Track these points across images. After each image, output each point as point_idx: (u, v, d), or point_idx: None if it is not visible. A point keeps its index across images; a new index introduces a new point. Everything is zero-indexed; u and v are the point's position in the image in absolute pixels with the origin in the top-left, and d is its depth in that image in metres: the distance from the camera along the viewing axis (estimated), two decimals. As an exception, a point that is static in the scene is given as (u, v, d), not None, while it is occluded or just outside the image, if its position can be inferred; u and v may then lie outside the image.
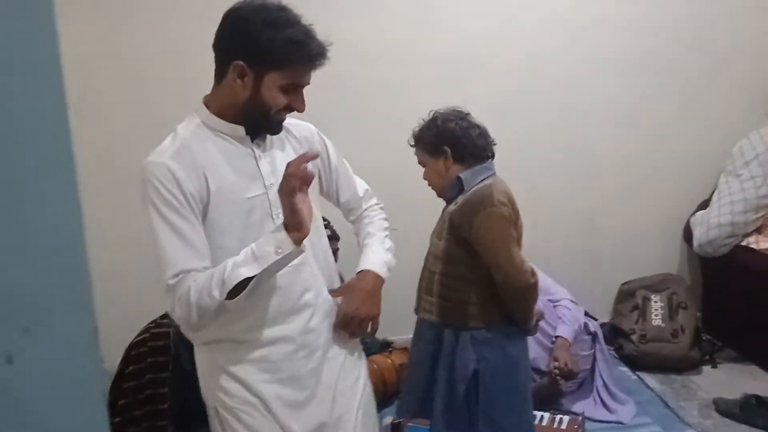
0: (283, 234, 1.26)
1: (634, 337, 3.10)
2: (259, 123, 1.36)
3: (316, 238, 1.49)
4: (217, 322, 1.34)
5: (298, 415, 1.43)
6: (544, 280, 3.14)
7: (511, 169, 3.30)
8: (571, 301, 2.98)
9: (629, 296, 3.26)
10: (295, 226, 1.26)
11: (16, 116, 0.35)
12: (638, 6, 3.18)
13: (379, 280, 1.55)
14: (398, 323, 3.27)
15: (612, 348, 3.18)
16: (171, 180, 1.27)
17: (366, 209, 1.69)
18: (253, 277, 1.25)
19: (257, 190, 1.37)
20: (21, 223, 0.35)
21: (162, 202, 1.27)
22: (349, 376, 1.56)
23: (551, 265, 3.19)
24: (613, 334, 3.23)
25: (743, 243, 3.01)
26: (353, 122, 3.10)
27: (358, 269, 1.56)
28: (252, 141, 1.39)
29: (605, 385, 2.89)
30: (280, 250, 1.25)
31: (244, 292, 1.26)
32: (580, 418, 2.54)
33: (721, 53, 3.25)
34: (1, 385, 0.34)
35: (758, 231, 3.01)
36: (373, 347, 3.10)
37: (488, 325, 1.83)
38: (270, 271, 1.28)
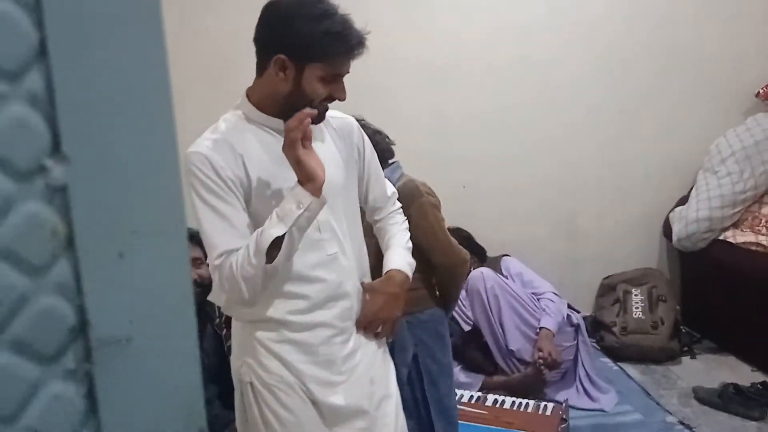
0: (299, 189, 1.30)
1: (615, 330, 3.20)
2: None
3: (354, 230, 1.53)
4: (263, 304, 1.40)
5: (333, 394, 1.47)
6: (528, 273, 3.23)
7: (493, 169, 3.42)
8: (555, 294, 3.07)
9: (610, 290, 3.37)
10: (306, 177, 1.30)
11: (114, 48, 0.39)
12: (620, 11, 3.30)
13: (406, 283, 1.58)
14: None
15: (594, 340, 3.28)
16: (209, 167, 1.32)
17: (392, 211, 1.71)
18: (283, 237, 1.29)
19: (295, 180, 1.39)
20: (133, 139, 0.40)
21: (203, 188, 1.32)
22: (384, 363, 1.60)
23: (535, 261, 3.28)
24: (595, 326, 3.33)
25: (721, 237, 3.13)
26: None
27: (385, 269, 1.58)
28: None
29: (588, 375, 2.98)
30: (301, 205, 1.29)
31: (281, 252, 1.29)
32: (563, 405, 2.63)
33: (699, 57, 3.38)
34: (113, 275, 0.40)
35: (735, 225, 3.14)
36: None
37: (422, 309, 1.94)
38: (300, 227, 1.31)
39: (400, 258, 1.60)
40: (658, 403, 2.84)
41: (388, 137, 2.11)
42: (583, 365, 3.00)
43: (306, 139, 1.30)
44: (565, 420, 2.54)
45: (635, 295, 3.27)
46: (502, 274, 3.16)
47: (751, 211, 3.14)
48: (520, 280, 3.16)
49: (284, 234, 1.28)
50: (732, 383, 2.85)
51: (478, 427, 2.46)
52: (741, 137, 3.17)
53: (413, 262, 1.65)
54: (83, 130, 0.37)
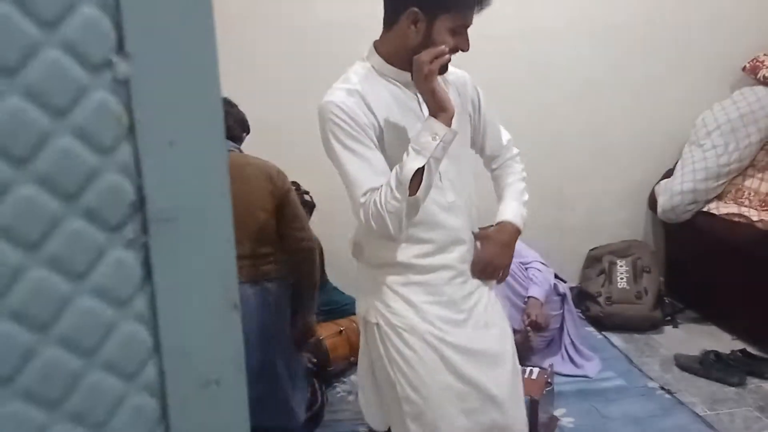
0: (431, 121, 1.39)
1: (600, 300, 3.31)
2: None
3: (467, 180, 1.65)
4: (391, 249, 1.53)
5: (457, 332, 1.58)
6: (516, 243, 3.33)
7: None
8: (542, 263, 3.17)
9: (596, 261, 3.48)
10: (439, 107, 1.39)
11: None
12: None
13: (516, 233, 1.71)
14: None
15: (580, 310, 3.39)
16: (344, 114, 1.41)
17: (508, 159, 1.81)
18: (422, 169, 1.38)
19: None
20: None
21: (342, 133, 1.42)
22: (497, 306, 1.73)
23: (523, 231, 3.36)
24: (581, 297, 3.44)
25: (705, 209, 3.24)
26: (312, 94, 3.20)
27: (497, 219, 1.70)
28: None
29: (573, 343, 3.09)
30: (436, 136, 1.38)
31: (422, 183, 1.39)
32: (549, 369, 2.73)
33: (686, 30, 3.47)
34: (165, 161, 0.47)
35: (719, 198, 3.25)
36: (353, 308, 3.23)
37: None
38: (436, 158, 1.40)
39: (512, 210, 1.73)
40: (640, 370, 2.96)
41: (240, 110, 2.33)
42: (569, 333, 3.11)
43: (434, 71, 1.38)
44: (549, 383, 2.64)
45: (620, 266, 3.38)
46: (490, 244, 3.24)
47: (734, 184, 3.25)
48: (508, 249, 3.25)
49: (423, 166, 1.38)
50: (712, 350, 2.98)
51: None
52: (726, 111, 3.27)
53: (525, 214, 1.77)
54: (144, 33, 0.44)
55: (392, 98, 1.49)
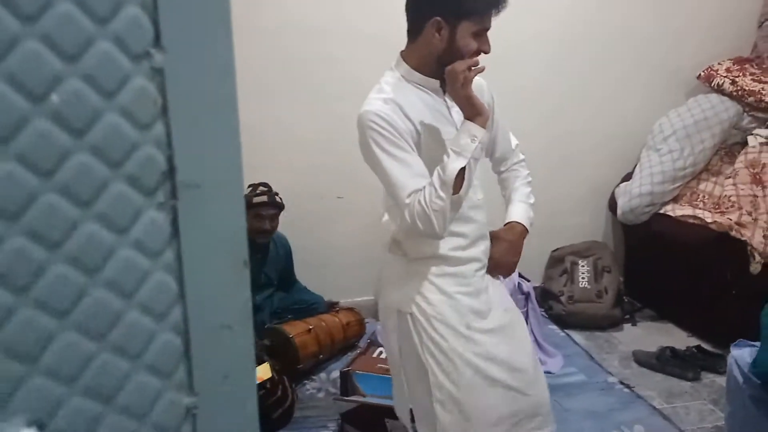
0: (469, 124, 1.53)
1: (563, 299, 3.47)
2: None
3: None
4: (429, 243, 1.66)
5: (483, 320, 1.72)
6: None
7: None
8: (508, 263, 3.31)
9: (559, 262, 3.64)
10: (476, 112, 1.54)
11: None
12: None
13: (524, 233, 1.85)
14: (344, 287, 3.53)
15: (543, 309, 3.54)
16: (385, 122, 1.53)
17: (515, 163, 1.96)
18: (463, 169, 1.52)
19: (451, 132, 1.63)
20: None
21: (383, 140, 1.53)
22: (503, 288, 1.90)
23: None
24: (544, 296, 3.60)
25: (661, 211, 3.43)
26: (298, 94, 3.32)
27: (507, 220, 1.85)
28: (444, 93, 1.67)
29: (536, 340, 3.24)
30: (474, 138, 1.52)
31: (464, 183, 1.55)
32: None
33: (644, 42, 3.66)
34: (191, 136, 0.57)
35: (675, 200, 3.44)
36: (322, 307, 3.33)
37: None
38: (475, 159, 1.55)
39: (521, 211, 1.87)
40: (600, 366, 3.12)
41: None
42: (532, 331, 3.25)
43: (468, 80, 1.53)
44: None
45: (582, 266, 3.54)
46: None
47: (689, 187, 3.44)
48: (475, 249, 3.38)
49: (464, 167, 1.51)
50: (669, 347, 3.15)
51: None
52: (682, 117, 3.47)
53: (533, 215, 1.90)
54: (175, 30, 0.54)
55: (423, 104, 1.62)
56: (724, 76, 3.54)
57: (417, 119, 1.59)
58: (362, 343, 3.25)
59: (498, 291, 1.84)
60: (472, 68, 1.54)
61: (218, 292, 0.60)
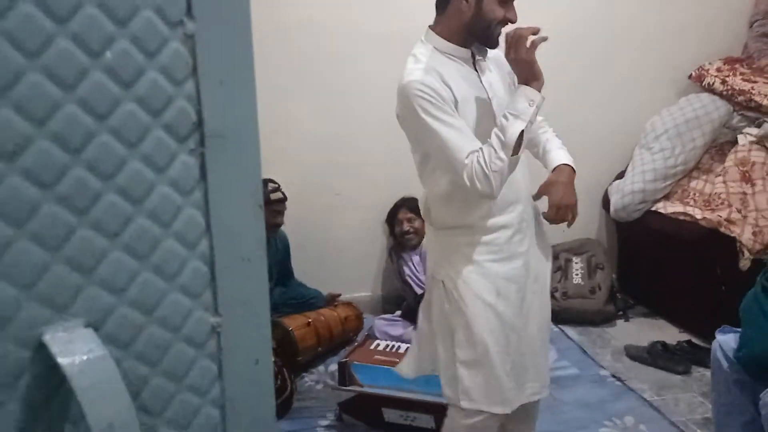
0: (526, 89, 1.66)
1: (557, 295, 3.58)
2: (481, 39, 1.77)
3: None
4: (458, 212, 1.79)
5: (512, 285, 1.84)
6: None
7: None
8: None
9: (553, 258, 3.74)
10: (534, 76, 1.68)
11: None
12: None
13: (573, 173, 1.91)
14: (342, 282, 3.64)
15: (537, 305, 3.66)
16: (430, 90, 1.65)
17: (540, 121, 2.05)
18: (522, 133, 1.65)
19: (484, 98, 1.79)
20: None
21: (431, 107, 1.65)
22: (547, 261, 2.00)
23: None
24: (539, 292, 3.71)
25: (653, 209, 3.55)
26: (306, 91, 3.45)
27: (553, 165, 1.92)
28: (474, 63, 1.81)
29: (531, 334, 3.35)
30: (531, 102, 1.65)
31: (522, 144, 1.67)
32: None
33: (638, 42, 3.81)
34: (216, 94, 0.69)
35: (666, 198, 3.56)
36: (320, 302, 3.44)
37: None
38: (531, 122, 1.67)
39: (563, 154, 1.95)
40: (593, 360, 3.23)
41: None
42: (527, 325, 3.37)
43: (532, 44, 1.68)
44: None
45: (575, 263, 3.66)
46: (452, 241, 3.49)
47: (681, 185, 3.57)
48: (470, 246, 3.50)
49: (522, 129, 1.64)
50: (660, 341, 3.27)
51: (429, 375, 2.76)
52: (674, 116, 3.60)
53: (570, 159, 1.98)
54: (205, 2, 0.66)
55: (457, 73, 1.75)
56: (715, 76, 3.67)
57: (454, 87, 1.70)
58: (360, 338, 3.36)
59: (536, 257, 1.93)
60: (536, 35, 1.68)
61: (238, 229, 0.71)
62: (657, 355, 3.23)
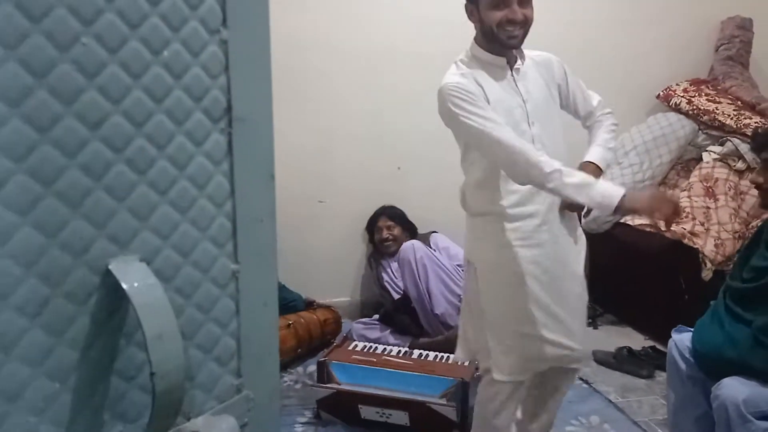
0: (616, 199, 1.78)
1: (529, 302, 3.80)
2: (497, 43, 1.97)
3: (555, 139, 2.13)
4: (488, 200, 2.03)
5: (539, 268, 2.04)
6: (454, 248, 3.80)
7: (425, 152, 3.98)
8: (477, 265, 3.64)
9: (527, 268, 3.98)
10: (634, 210, 1.98)
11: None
12: (536, 15, 3.95)
13: (597, 172, 2.10)
14: (322, 287, 3.83)
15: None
16: (462, 89, 1.89)
17: (599, 116, 2.28)
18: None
19: (518, 102, 2.01)
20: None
21: (464, 103, 1.88)
22: (576, 246, 2.21)
23: (461, 237, 3.83)
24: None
25: (622, 221, 3.80)
26: (288, 105, 3.67)
27: (583, 160, 2.14)
28: (511, 69, 2.03)
29: (503, 339, 3.56)
30: (603, 199, 1.81)
31: (568, 195, 1.87)
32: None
33: (608, 63, 4.08)
34: (244, 88, 0.90)
35: (634, 210, 3.81)
36: (301, 305, 3.63)
37: None
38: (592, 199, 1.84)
39: (595, 153, 2.17)
40: (562, 363, 3.44)
41: None
42: (500, 330, 3.58)
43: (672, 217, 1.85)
44: (478, 368, 3.09)
45: (548, 272, 3.89)
46: (431, 248, 3.71)
47: (648, 199, 3.83)
48: (447, 253, 3.72)
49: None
50: (626, 347, 3.50)
51: (405, 374, 2.96)
52: (642, 133, 3.88)
53: (609, 157, 2.20)
54: (236, 15, 0.88)
55: (492, 77, 2.00)
56: (682, 96, 3.96)
57: (487, 89, 1.95)
58: (338, 340, 3.54)
59: (564, 243, 2.12)
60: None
61: (255, 194, 0.93)
62: (623, 360, 3.46)
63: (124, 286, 0.78)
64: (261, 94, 0.91)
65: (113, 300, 0.80)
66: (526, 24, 1.98)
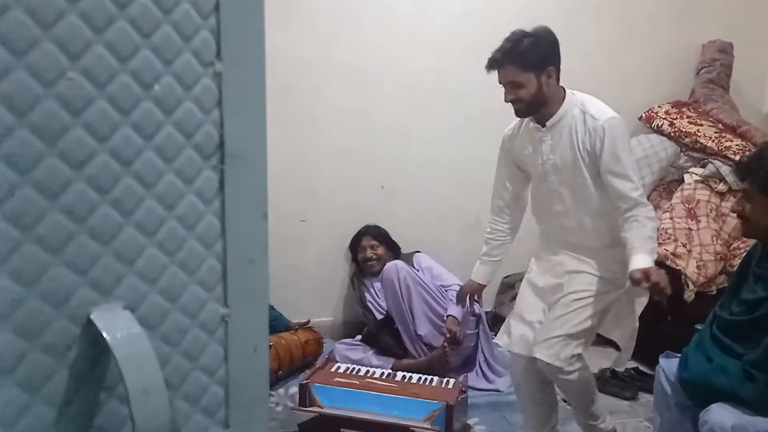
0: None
1: (512, 323, 3.77)
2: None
3: (580, 199, 2.57)
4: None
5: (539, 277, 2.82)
6: (437, 268, 3.77)
7: (409, 171, 3.96)
8: (460, 285, 3.61)
9: (509, 288, 3.96)
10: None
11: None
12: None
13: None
14: (305, 305, 3.77)
15: (493, 333, 3.84)
16: (502, 142, 2.78)
17: (628, 214, 2.44)
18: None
19: (539, 161, 2.56)
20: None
21: (499, 152, 2.82)
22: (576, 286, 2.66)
23: (444, 257, 3.83)
24: (495, 321, 3.91)
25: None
26: (271, 119, 3.61)
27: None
28: (543, 128, 2.55)
29: (486, 360, 3.54)
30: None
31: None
32: (463, 378, 3.15)
33: (589, 83, 4.06)
34: (237, 122, 0.85)
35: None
36: (280, 325, 3.57)
37: None
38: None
39: (635, 259, 2.42)
40: (546, 385, 3.41)
41: None
42: (483, 351, 3.56)
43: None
44: (464, 391, 3.05)
45: (531, 292, 3.86)
46: (414, 268, 3.68)
47: (630, 220, 3.82)
48: (430, 273, 3.69)
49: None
50: (609, 368, 3.48)
51: (388, 397, 2.92)
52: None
53: (653, 247, 2.51)
54: (230, 47, 0.83)
55: (527, 135, 2.64)
56: (664, 118, 3.98)
57: (519, 145, 2.68)
58: (320, 361, 3.49)
59: (573, 279, 2.63)
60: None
61: (246, 234, 0.88)
62: (606, 382, 3.44)
63: (107, 337, 0.72)
64: (255, 129, 0.86)
65: (95, 352, 0.74)
66: (520, 101, 2.47)
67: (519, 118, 2.58)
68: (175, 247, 0.81)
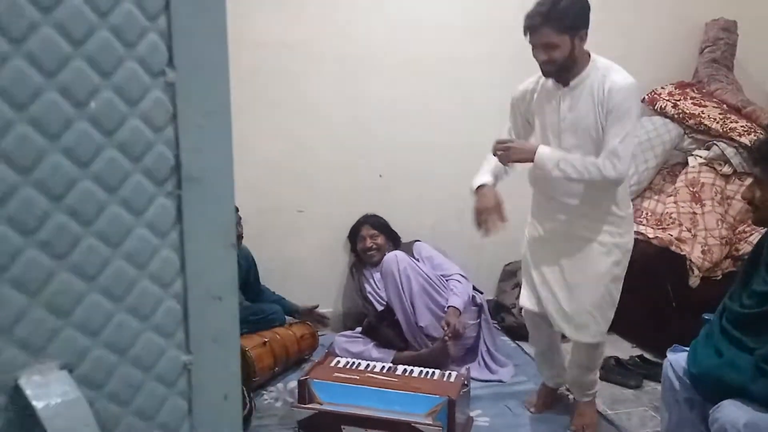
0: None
1: (514, 311, 3.66)
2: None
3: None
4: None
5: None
6: (438, 257, 3.64)
7: (407, 159, 3.81)
8: (462, 275, 3.49)
9: (511, 275, 3.84)
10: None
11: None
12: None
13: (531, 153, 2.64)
14: (304, 297, 3.65)
15: (496, 321, 3.73)
16: (513, 98, 2.75)
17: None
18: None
19: (556, 119, 2.53)
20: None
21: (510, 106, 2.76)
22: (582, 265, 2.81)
23: (445, 247, 3.69)
24: (497, 308, 3.79)
25: (608, 228, 3.65)
26: (257, 110, 3.47)
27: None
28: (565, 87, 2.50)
29: (488, 351, 3.42)
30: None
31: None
32: (465, 371, 3.03)
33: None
34: (194, 141, 0.72)
35: (620, 217, 3.66)
36: (279, 319, 3.45)
37: None
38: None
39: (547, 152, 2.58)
40: (550, 375, 3.30)
41: None
42: (485, 341, 3.43)
43: None
44: (466, 385, 2.93)
45: (533, 279, 3.74)
46: (414, 257, 3.54)
47: (634, 204, 3.68)
48: (431, 263, 3.55)
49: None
50: (613, 356, 3.36)
51: (389, 392, 2.80)
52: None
53: (563, 167, 2.52)
54: (184, 54, 0.69)
55: (544, 93, 2.59)
56: (667, 100, 3.81)
57: (535, 103, 2.63)
58: (316, 356, 3.38)
59: (574, 258, 2.74)
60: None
61: (211, 268, 0.74)
62: (610, 370, 3.32)
63: (37, 406, 0.59)
64: (218, 147, 0.73)
65: (25, 422, 0.61)
66: (552, 62, 2.43)
67: (537, 76, 2.58)
68: (122, 291, 0.68)
